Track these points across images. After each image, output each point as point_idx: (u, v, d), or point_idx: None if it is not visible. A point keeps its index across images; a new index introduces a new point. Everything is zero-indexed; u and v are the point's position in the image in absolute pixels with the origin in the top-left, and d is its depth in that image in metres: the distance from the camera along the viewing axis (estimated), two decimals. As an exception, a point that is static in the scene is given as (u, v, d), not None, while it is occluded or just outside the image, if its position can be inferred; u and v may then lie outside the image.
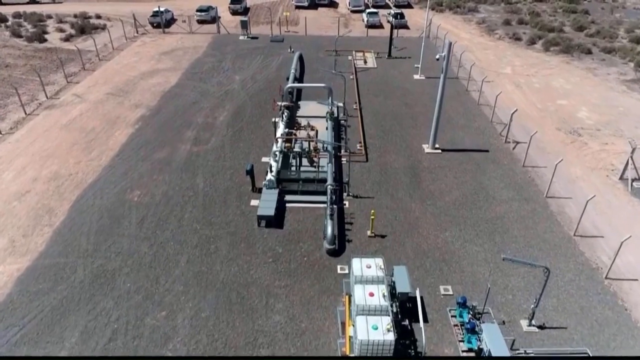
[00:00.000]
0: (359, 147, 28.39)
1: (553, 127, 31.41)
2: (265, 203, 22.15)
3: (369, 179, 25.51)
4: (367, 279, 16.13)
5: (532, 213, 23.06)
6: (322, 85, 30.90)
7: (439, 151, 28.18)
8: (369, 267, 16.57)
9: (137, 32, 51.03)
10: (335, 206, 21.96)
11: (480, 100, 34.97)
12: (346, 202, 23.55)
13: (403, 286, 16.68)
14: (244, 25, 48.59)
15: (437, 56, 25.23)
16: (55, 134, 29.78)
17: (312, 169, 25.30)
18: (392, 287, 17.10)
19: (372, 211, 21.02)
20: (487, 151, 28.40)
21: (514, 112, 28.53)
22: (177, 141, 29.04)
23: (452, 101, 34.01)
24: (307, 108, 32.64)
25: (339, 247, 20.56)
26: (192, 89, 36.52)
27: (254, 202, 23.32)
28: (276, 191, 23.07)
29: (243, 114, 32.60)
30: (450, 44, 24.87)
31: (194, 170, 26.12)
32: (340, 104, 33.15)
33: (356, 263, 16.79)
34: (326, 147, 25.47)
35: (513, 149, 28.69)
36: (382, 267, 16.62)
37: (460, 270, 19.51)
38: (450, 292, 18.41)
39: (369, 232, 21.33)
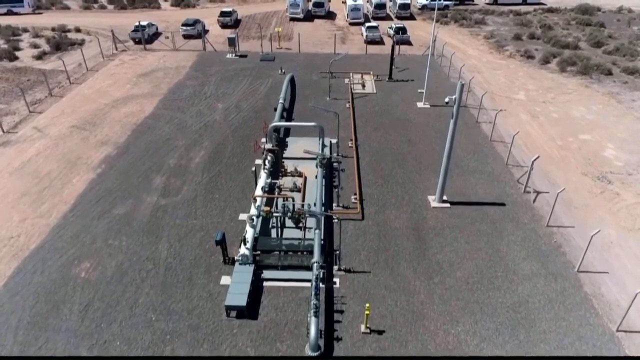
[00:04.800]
0: (354, 200, 24.31)
1: (578, 172, 27.28)
2: (237, 287, 18.09)
3: (364, 245, 21.44)
4: None
5: (562, 295, 18.95)
6: (313, 124, 26.82)
7: (448, 205, 24.09)
8: (360, 410, 12.52)
9: (117, 49, 47.00)
10: (323, 286, 18.00)
11: (492, 134, 30.84)
12: (336, 280, 19.48)
13: None
14: (232, 42, 44.51)
15: (447, 99, 21.16)
16: (4, 182, 25.77)
17: (297, 230, 21.20)
18: None
19: (367, 305, 16.90)
20: (503, 205, 24.30)
21: (535, 159, 24.41)
22: (142, 191, 25.00)
23: (461, 136, 29.84)
24: (296, 146, 28.58)
25: (326, 348, 16.53)
26: (168, 121, 32.47)
27: (224, 280, 19.27)
28: (251, 269, 19.01)
29: (222, 154, 28.54)
30: (462, 85, 20.77)
31: (158, 232, 22.08)
32: (334, 140, 29.11)
33: (343, 402, 12.74)
34: (313, 206, 21.41)
35: (534, 202, 24.59)
36: (378, 410, 12.56)
37: (478, 387, 15.45)
38: None
39: (363, 327, 17.27)
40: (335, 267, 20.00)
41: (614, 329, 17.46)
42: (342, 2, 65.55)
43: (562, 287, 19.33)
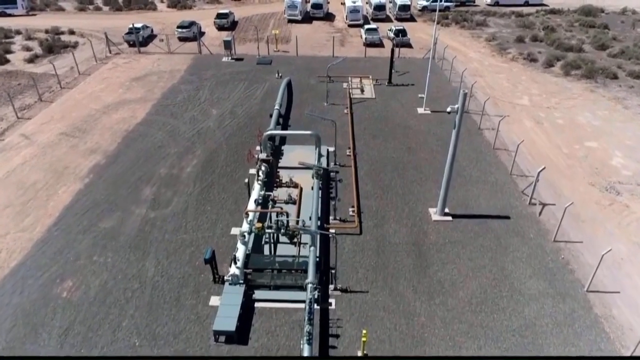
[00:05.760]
0: (351, 213, 23.26)
1: (585, 182, 26.21)
2: (226, 309, 17.03)
3: (362, 262, 20.38)
4: None
5: (571, 318, 17.89)
6: (309, 132, 25.74)
7: (449, 218, 23.03)
8: None
9: (110, 52, 45.95)
10: (317, 307, 16.97)
11: (496, 142, 29.75)
12: (332, 301, 18.43)
13: None
14: (227, 45, 43.46)
15: (449, 109, 20.09)
16: (-14, 193, 24.77)
17: (292, 246, 20.18)
18: None
19: (364, 331, 15.86)
20: (508, 218, 23.24)
21: (541, 171, 23.34)
22: (130, 203, 23.96)
23: (463, 144, 28.44)
24: (292, 155, 27.54)
25: (320, 377, 15.50)
26: (160, 128, 31.42)
27: (213, 301, 18.24)
28: (241, 289, 17.95)
29: (215, 163, 27.50)
30: (465, 94, 19.72)
31: (146, 248, 21.04)
32: (332, 149, 28.09)
33: None
34: (308, 220, 20.40)
35: (539, 215, 23.52)
36: None
37: (483, 421, 14.40)
38: None
39: (359, 353, 16.23)
40: (331, 287, 18.96)
41: (627, 355, 16.40)
42: (341, 3, 64.49)
43: (571, 309, 18.27)
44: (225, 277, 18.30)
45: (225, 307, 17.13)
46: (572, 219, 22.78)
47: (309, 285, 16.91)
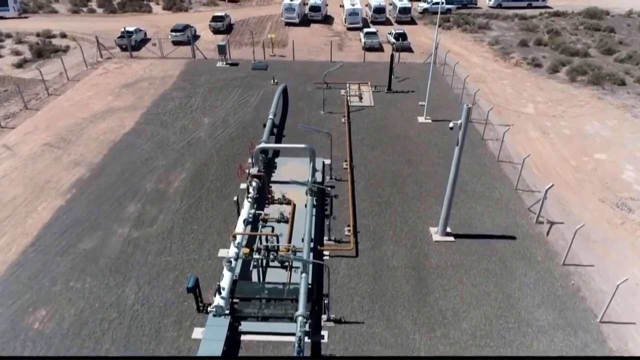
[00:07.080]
0: (347, 233, 21.88)
1: (595, 198, 24.81)
2: (208, 346, 15.66)
3: (358, 289, 19.00)
4: None
5: (583, 353, 16.50)
6: (303, 146, 24.37)
7: (452, 239, 21.63)
8: None
9: (101, 57, 44.57)
10: (308, 340, 15.63)
11: (500, 154, 28.35)
12: (325, 333, 17.05)
13: None
14: (222, 50, 42.08)
15: (451, 124, 18.74)
16: (-38, 209, 23.42)
17: (282, 270, 18.90)
18: None
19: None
20: (513, 238, 21.85)
21: (549, 188, 21.92)
22: (113, 221, 22.59)
23: (465, 156, 26.89)
24: (285, 168, 26.22)
25: (310, 422, 14.13)
26: (149, 138, 30.04)
27: (196, 333, 16.87)
28: (226, 322, 16.58)
29: (205, 177, 26.13)
30: (468, 109, 18.34)
31: (126, 272, 19.67)
32: (327, 161, 26.70)
33: None
34: (301, 242, 19.03)
35: (547, 235, 22.12)
36: None
37: None
38: None
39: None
40: (324, 317, 17.57)
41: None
42: (340, 5, 63.00)
43: (584, 342, 16.88)
44: (209, 309, 16.91)
45: (207, 343, 15.77)
46: (582, 240, 21.34)
47: (299, 319, 15.56)
